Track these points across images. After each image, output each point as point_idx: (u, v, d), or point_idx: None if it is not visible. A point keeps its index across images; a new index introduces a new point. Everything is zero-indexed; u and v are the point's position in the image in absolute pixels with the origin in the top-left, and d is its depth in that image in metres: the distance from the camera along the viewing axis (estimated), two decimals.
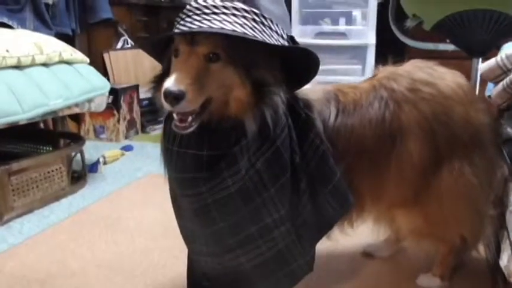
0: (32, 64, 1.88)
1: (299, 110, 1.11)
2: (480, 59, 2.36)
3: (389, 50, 3.14)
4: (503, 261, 1.16)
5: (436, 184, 1.20)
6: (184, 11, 1.00)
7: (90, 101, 2.07)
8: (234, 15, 0.97)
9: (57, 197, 2.03)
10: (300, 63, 1.07)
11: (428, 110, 1.17)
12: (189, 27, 0.96)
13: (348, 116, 1.18)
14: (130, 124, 3.18)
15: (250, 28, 0.97)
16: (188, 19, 0.98)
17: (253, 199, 1.03)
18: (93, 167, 2.45)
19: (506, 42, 2.82)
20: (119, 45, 3.50)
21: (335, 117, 1.18)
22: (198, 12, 0.97)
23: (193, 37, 0.95)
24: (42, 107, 1.81)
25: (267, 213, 1.05)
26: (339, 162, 1.13)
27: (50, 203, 1.99)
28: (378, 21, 3.01)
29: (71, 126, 3.06)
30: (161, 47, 1.05)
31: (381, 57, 3.38)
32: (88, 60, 2.17)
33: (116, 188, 2.22)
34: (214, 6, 0.97)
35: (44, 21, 2.40)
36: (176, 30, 0.98)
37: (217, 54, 0.95)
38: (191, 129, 0.96)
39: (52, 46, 1.99)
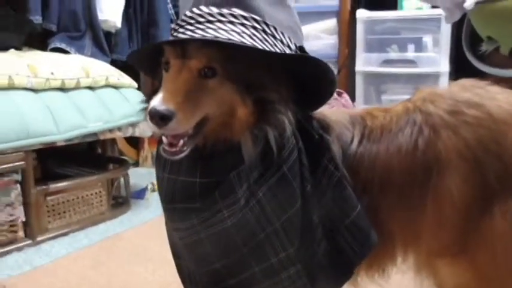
0: (77, 87, 1.91)
1: (312, 132, 0.95)
2: None
3: (464, 78, 2.87)
4: None
5: (486, 229, 0.96)
6: (178, 21, 0.90)
7: (133, 125, 2.05)
8: (231, 22, 0.85)
9: (95, 222, 2.00)
10: (316, 81, 0.92)
11: (473, 137, 0.95)
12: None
13: (373, 143, 1.00)
14: None
15: (249, 36, 0.84)
16: (181, 29, 0.87)
17: (254, 234, 0.88)
18: (141, 193, 2.42)
19: None
20: None
21: (358, 143, 1.00)
22: (191, 21, 0.86)
23: (184, 49, 0.83)
24: (79, 129, 1.81)
25: (271, 252, 0.89)
26: (361, 194, 0.96)
27: (86, 227, 1.96)
28: (452, 46, 2.74)
29: (131, 153, 3.11)
30: (153, 61, 0.96)
31: None
32: (136, 85, 2.17)
33: (157, 216, 2.16)
34: (210, 14, 0.85)
35: (102, 48, 2.46)
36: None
37: (213, 68, 0.82)
38: (182, 154, 0.82)
39: (99, 70, 2.01)
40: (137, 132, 2.11)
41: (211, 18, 0.85)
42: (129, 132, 2.07)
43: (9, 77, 1.67)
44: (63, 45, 2.28)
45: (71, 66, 1.92)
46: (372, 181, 0.98)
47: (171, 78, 0.83)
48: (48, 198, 1.82)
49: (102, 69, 2.04)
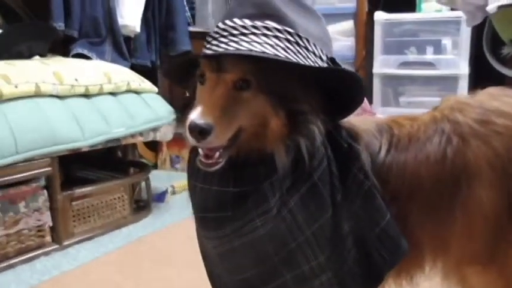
0: (100, 93, 1.93)
1: (340, 141, 0.96)
2: None
3: (485, 81, 2.84)
4: None
5: None
6: (211, 33, 0.90)
7: (154, 130, 2.07)
8: (264, 35, 0.85)
9: (118, 226, 2.03)
10: (344, 88, 0.93)
11: (502, 146, 0.95)
12: (215, 51, 0.86)
13: (402, 151, 1.00)
14: None
15: (283, 49, 0.85)
16: (214, 42, 0.88)
17: (286, 243, 0.89)
18: (161, 197, 2.44)
19: None
20: None
21: (386, 151, 1.01)
22: (225, 34, 0.87)
23: (220, 62, 0.84)
24: (104, 135, 1.83)
25: (303, 259, 0.91)
26: (390, 203, 0.96)
27: (110, 231, 1.99)
28: (472, 48, 2.72)
29: (149, 156, 3.14)
30: (186, 72, 0.97)
31: (476, 90, 3.05)
32: (156, 90, 2.19)
33: (178, 219, 2.18)
34: (243, 27, 0.86)
35: (122, 53, 2.49)
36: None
37: (248, 81, 0.83)
38: (218, 166, 0.84)
39: (121, 75, 2.03)
40: (158, 137, 2.13)
41: (244, 31, 0.85)
42: (151, 137, 2.09)
43: (35, 84, 1.70)
44: (85, 51, 2.32)
45: (93, 72, 1.95)
46: (401, 190, 0.98)
47: (208, 92, 0.84)
48: (74, 203, 1.85)
49: (123, 75, 2.06)
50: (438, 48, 2.80)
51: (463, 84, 2.73)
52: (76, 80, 1.84)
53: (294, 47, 0.86)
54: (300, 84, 0.88)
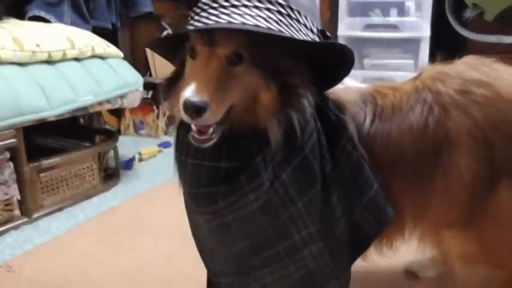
0: (63, 59, 1.84)
1: (328, 113, 0.97)
2: None
3: (446, 43, 2.91)
4: None
5: (492, 204, 1.02)
6: (200, 4, 0.87)
7: (122, 97, 2.01)
8: (256, 7, 0.83)
9: (88, 196, 1.99)
10: (331, 59, 0.93)
11: (482, 116, 0.99)
12: (205, 23, 0.83)
13: (385, 121, 1.03)
14: (170, 120, 3.12)
15: (275, 22, 0.83)
16: (204, 14, 0.85)
17: (279, 215, 0.91)
18: (128, 164, 2.40)
19: None
20: None
21: (371, 121, 1.03)
22: (214, 5, 0.84)
23: (212, 36, 0.82)
24: (71, 104, 1.76)
25: (295, 230, 0.93)
26: (375, 172, 0.99)
27: (80, 201, 1.95)
28: (433, 12, 2.76)
29: (112, 121, 3.06)
30: (173, 44, 0.94)
31: (437, 52, 3.13)
32: (122, 54, 2.11)
33: (149, 187, 2.15)
34: None
35: (82, 15, 2.37)
36: (190, 27, 0.85)
37: (241, 55, 0.82)
38: (212, 141, 0.83)
39: (84, 40, 1.94)
40: (126, 104, 2.07)
41: (235, 3, 0.83)
42: (118, 104, 2.03)
43: None
44: (42, 13, 2.18)
45: (55, 37, 1.84)
46: (385, 159, 1.02)
47: (200, 67, 0.82)
48: (42, 174, 1.79)
49: (87, 39, 1.96)
50: (402, 10, 2.83)
51: (425, 46, 2.79)
52: (38, 45, 1.73)
53: (286, 19, 0.85)
54: (291, 57, 0.87)
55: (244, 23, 0.81)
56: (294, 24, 0.86)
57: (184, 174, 0.94)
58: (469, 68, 1.07)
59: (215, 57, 0.82)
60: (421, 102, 1.04)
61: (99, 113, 2.31)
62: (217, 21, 0.82)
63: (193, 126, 0.83)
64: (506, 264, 1.13)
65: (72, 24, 2.24)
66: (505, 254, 1.09)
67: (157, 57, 3.26)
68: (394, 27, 2.86)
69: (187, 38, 0.87)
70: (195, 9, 0.88)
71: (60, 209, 1.86)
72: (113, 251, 1.56)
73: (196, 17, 0.86)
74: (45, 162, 1.80)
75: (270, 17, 0.83)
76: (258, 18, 0.82)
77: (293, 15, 0.86)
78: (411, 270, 1.39)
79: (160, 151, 2.68)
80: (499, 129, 1.00)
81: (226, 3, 0.84)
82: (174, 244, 1.58)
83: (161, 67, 3.33)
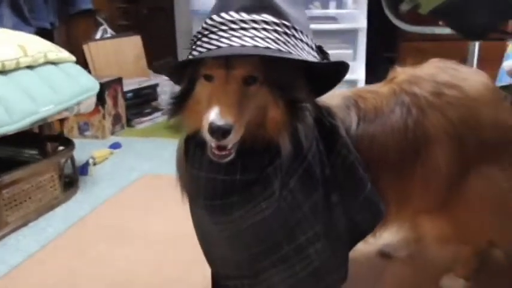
0: (17, 68, 1.75)
1: (324, 120, 1.04)
2: (477, 43, 2.33)
3: (380, 33, 3.10)
4: None
5: (464, 191, 1.16)
6: (206, 26, 0.89)
7: (79, 103, 1.95)
8: (264, 29, 0.87)
9: (51, 207, 1.92)
10: (325, 70, 1.00)
11: (455, 115, 1.12)
12: (217, 46, 0.86)
13: (370, 124, 1.12)
14: (116, 119, 3.06)
15: (283, 43, 0.89)
16: (214, 36, 0.87)
17: (287, 220, 0.98)
18: (83, 170, 2.34)
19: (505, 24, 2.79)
20: (98, 35, 3.34)
21: (357, 125, 1.12)
22: (224, 28, 0.87)
23: (227, 58, 0.86)
24: (32, 116, 1.69)
25: (301, 232, 1.01)
26: (364, 171, 1.09)
27: (44, 214, 1.88)
28: (369, 4, 2.93)
29: (55, 124, 2.92)
30: (180, 67, 0.96)
31: (372, 42, 3.30)
32: (74, 58, 2.04)
33: (111, 192, 2.12)
34: (242, 21, 0.87)
35: (23, 18, 2.24)
36: (203, 50, 0.88)
37: (255, 76, 0.87)
38: (231, 156, 0.88)
39: (36, 46, 1.85)
40: (82, 109, 2.02)
41: (244, 25, 0.87)
42: (75, 111, 1.98)
43: None
44: None
45: (5, 44, 1.75)
46: (372, 158, 1.10)
47: (219, 90, 0.86)
48: (4, 191, 1.71)
49: (38, 45, 1.87)
50: (340, 3, 2.97)
51: (362, 37, 2.95)
52: None
53: (292, 40, 0.91)
54: (295, 74, 0.93)
55: (256, 46, 0.85)
56: (298, 44, 0.92)
57: (197, 188, 0.97)
58: (440, 71, 1.19)
59: (232, 79, 0.86)
60: (399, 104, 1.14)
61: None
62: (230, 45, 0.85)
63: (212, 143, 0.87)
64: (473, 240, 1.29)
65: (14, 27, 2.12)
66: (472, 232, 1.24)
67: (95, 55, 3.16)
68: (333, 19, 2.99)
69: (197, 60, 0.89)
70: (201, 30, 0.90)
71: (25, 224, 1.79)
72: (96, 262, 1.54)
73: (205, 39, 0.89)
74: (7, 177, 1.72)
75: (278, 39, 0.88)
76: (268, 40, 0.87)
77: (297, 35, 0.92)
78: (385, 251, 1.52)
79: (112, 153, 2.63)
80: (469, 126, 1.13)
81: (235, 26, 0.87)
82: (158, 249, 1.60)
83: (100, 66, 3.23)
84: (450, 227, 1.22)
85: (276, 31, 0.88)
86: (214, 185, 0.94)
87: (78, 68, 2.02)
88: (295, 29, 0.91)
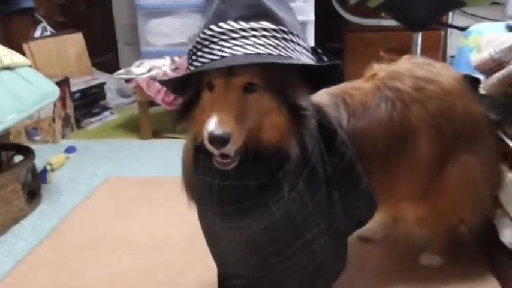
0: None
1: (322, 120, 1.09)
2: (420, 34, 2.49)
3: (328, 26, 3.20)
4: (507, 238, 1.27)
5: (442, 177, 1.26)
6: (205, 36, 0.90)
7: (39, 110, 1.86)
8: (264, 36, 0.90)
9: (16, 219, 1.83)
10: (321, 73, 1.04)
11: (435, 108, 1.22)
12: (220, 56, 0.88)
13: (359, 119, 1.18)
14: (65, 121, 2.94)
15: (283, 48, 0.91)
16: (215, 46, 0.88)
17: (296, 220, 1.03)
18: (42, 177, 2.23)
19: (445, 16, 2.99)
20: (37, 33, 3.16)
21: (347, 121, 1.18)
22: (224, 37, 0.88)
23: (230, 67, 0.87)
24: None
25: (307, 231, 1.06)
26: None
27: (10, 227, 1.79)
28: None
29: None
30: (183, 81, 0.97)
31: (320, 34, 3.39)
32: (29, 62, 1.93)
33: (77, 199, 2.05)
34: (242, 30, 0.89)
35: None
36: (205, 60, 0.89)
37: (255, 83, 0.89)
38: (234, 164, 0.91)
39: None
40: (42, 115, 1.95)
41: (244, 34, 0.89)
42: (35, 117, 1.89)
43: None
44: None
45: None
46: (362, 152, 1.16)
47: (220, 99, 0.88)
48: None
49: None
50: None
51: (311, 29, 3.04)
52: None
53: (290, 44, 0.93)
54: (295, 77, 0.96)
55: (258, 53, 0.87)
56: (297, 48, 0.94)
57: (210, 194, 0.99)
58: (415, 66, 1.28)
59: (232, 87, 0.88)
60: (384, 99, 1.21)
61: None
62: (233, 54, 0.87)
63: (216, 152, 0.89)
64: (448, 222, 1.40)
65: None
66: (448, 215, 1.35)
67: (36, 54, 3.00)
68: None
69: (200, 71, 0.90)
70: (201, 40, 0.91)
71: None
72: (81, 275, 1.49)
73: (206, 49, 0.89)
74: None
75: (278, 45, 0.90)
76: (268, 46, 0.89)
77: (294, 40, 0.94)
78: (365, 236, 1.61)
79: (68, 158, 2.54)
80: (446, 117, 1.23)
81: (235, 35, 0.88)
82: (144, 254, 1.58)
83: (42, 65, 3.06)
84: (430, 211, 1.32)
85: (275, 37, 0.90)
86: (229, 191, 0.97)
87: (35, 72, 1.92)
88: (292, 34, 0.93)
